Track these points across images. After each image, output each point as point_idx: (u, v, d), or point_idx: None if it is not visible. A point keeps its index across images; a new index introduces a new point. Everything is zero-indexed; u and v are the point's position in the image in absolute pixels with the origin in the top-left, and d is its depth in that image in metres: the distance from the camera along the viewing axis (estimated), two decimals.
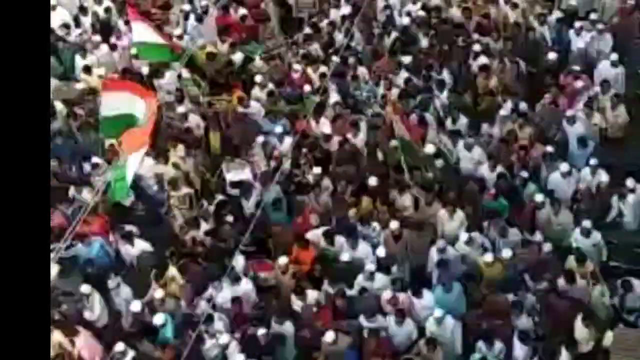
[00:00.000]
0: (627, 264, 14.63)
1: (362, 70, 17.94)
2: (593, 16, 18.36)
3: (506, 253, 14.20)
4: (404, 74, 17.63)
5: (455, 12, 19.33)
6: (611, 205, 15.17)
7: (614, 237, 15.02)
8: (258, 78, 17.99)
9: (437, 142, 16.35)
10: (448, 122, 16.84)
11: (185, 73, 17.97)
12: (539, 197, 15.03)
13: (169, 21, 20.05)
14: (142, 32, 16.74)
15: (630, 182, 15.05)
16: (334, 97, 17.31)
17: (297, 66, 18.17)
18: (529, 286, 14.03)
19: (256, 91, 17.92)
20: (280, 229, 15.33)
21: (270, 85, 17.82)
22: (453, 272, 14.30)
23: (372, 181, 15.56)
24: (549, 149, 15.82)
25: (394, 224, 14.76)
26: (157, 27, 18.30)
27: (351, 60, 18.04)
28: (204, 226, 15.41)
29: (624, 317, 13.91)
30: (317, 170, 15.84)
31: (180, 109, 17.32)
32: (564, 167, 15.42)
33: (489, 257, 14.21)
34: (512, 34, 18.65)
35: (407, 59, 18.05)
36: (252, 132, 17.00)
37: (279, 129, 16.76)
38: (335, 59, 17.62)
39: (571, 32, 18.41)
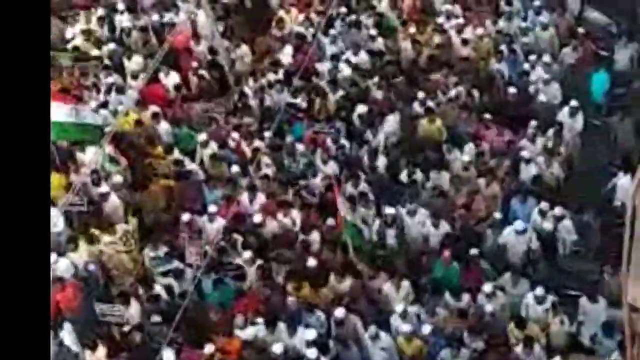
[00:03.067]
0: (583, 291, 14.69)
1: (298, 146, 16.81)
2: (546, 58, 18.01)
3: (425, 329, 13.75)
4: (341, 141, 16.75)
5: (406, 45, 18.80)
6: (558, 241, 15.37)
7: (569, 265, 15.34)
8: (201, 136, 16.93)
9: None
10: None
11: (109, 149, 16.62)
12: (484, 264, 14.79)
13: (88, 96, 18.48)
14: (60, 111, 15.68)
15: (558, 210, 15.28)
16: (268, 171, 16.27)
17: (234, 135, 17.14)
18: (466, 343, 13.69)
19: (199, 151, 16.94)
20: (212, 315, 14.44)
21: (213, 145, 16.85)
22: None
23: (311, 262, 14.65)
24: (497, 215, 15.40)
25: (339, 312, 13.90)
26: (78, 99, 17.59)
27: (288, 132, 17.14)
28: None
29: (581, 344, 14.13)
30: (247, 254, 14.90)
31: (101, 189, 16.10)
32: (519, 225, 14.96)
33: (406, 328, 13.70)
34: (462, 69, 18.15)
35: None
36: (192, 196, 16.29)
37: (212, 208, 15.51)
38: (267, 134, 16.66)
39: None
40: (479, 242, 15.10)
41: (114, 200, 15.95)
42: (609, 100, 17.93)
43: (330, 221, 15.26)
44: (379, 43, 18.76)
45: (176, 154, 16.73)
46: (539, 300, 14.06)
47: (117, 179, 16.33)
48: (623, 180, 15.43)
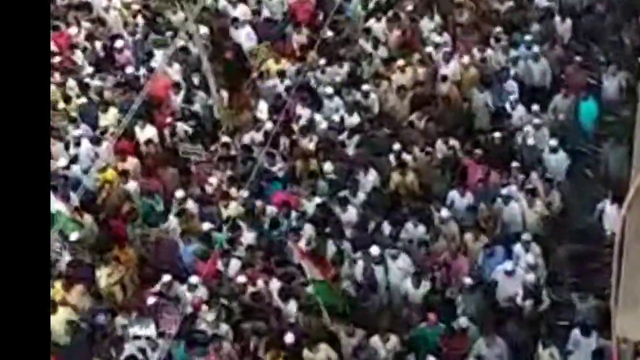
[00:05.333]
0: (572, 321, 14.66)
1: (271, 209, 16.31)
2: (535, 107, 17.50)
3: None
4: (315, 200, 16.26)
5: (387, 96, 18.27)
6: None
7: (558, 295, 15.27)
8: (178, 193, 16.45)
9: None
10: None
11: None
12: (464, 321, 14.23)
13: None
14: None
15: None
16: (246, 238, 15.76)
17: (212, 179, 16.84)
18: None
19: (174, 205, 16.49)
20: None
21: (189, 202, 16.42)
22: None
23: (289, 338, 14.06)
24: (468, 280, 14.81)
25: None
26: None
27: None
28: None
29: None
30: (224, 327, 14.45)
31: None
32: (509, 265, 14.78)
33: None
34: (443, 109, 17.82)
35: (328, 167, 16.77)
36: (169, 255, 15.96)
37: (193, 280, 14.83)
38: (244, 193, 16.16)
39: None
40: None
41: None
42: (598, 128, 17.82)
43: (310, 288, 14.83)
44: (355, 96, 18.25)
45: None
46: None
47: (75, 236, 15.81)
48: (611, 210, 15.35)
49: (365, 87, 18.21)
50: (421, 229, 15.59)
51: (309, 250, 15.18)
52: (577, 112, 17.78)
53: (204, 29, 19.05)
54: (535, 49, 18.52)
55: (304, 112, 17.84)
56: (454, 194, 16.14)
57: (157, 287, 15.21)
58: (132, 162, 17.34)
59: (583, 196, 16.86)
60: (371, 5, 20.44)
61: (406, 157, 16.81)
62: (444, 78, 18.21)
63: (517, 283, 14.68)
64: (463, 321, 14.18)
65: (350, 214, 16.06)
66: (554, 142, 16.67)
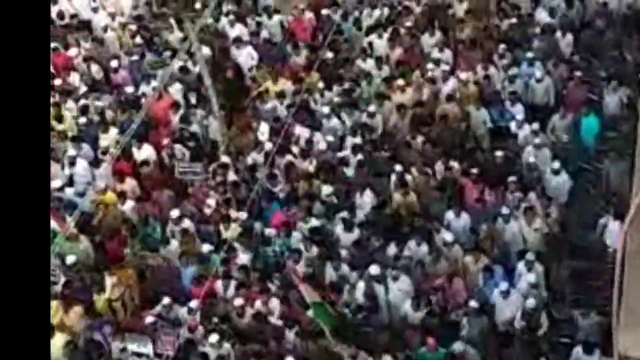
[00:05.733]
0: (574, 338, 14.59)
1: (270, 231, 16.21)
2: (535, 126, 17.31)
3: None
4: (313, 222, 16.16)
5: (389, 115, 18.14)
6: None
7: (559, 312, 15.21)
8: (174, 213, 16.32)
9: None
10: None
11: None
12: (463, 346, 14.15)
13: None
14: None
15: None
16: (241, 258, 15.67)
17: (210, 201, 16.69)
18: None
19: (170, 226, 16.37)
20: None
21: (186, 222, 16.31)
22: None
23: None
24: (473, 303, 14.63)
25: None
26: None
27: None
28: None
29: None
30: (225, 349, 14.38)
31: None
32: (504, 285, 14.67)
33: None
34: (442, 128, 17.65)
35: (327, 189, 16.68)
36: (168, 277, 15.84)
37: (193, 304, 14.81)
38: (242, 215, 16.04)
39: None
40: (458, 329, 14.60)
41: None
42: (599, 144, 17.73)
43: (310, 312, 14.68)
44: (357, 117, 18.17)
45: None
46: None
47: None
48: (613, 225, 15.22)
49: (371, 108, 18.07)
50: (424, 248, 15.49)
51: (307, 273, 15.10)
52: (578, 128, 17.67)
53: (205, 49, 18.97)
54: (538, 66, 18.43)
55: (303, 133, 17.74)
56: (450, 214, 16.03)
57: (157, 309, 15.10)
58: (130, 184, 17.19)
59: (584, 212, 16.85)
60: (371, 22, 20.39)
61: (407, 177, 16.69)
62: (447, 97, 18.10)
63: (515, 305, 14.53)
64: (462, 345, 14.09)
65: (350, 235, 15.95)
66: (556, 165, 16.48)
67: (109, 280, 15.40)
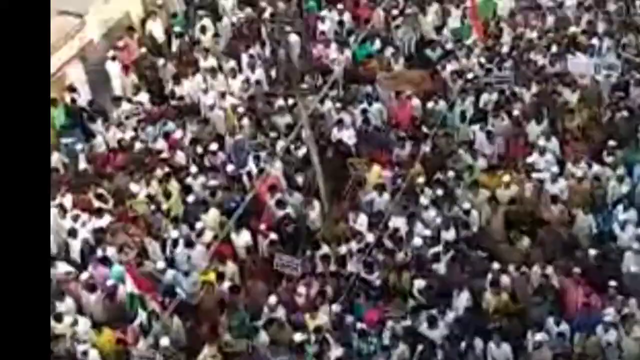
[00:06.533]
0: None
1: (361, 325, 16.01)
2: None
3: None
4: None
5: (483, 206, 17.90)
6: None
7: None
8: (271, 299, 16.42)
9: None
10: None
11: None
12: None
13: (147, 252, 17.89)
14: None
15: None
16: (335, 351, 15.58)
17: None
18: None
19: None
20: None
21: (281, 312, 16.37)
22: None
23: None
24: None
25: None
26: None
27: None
28: None
29: None
30: None
31: None
32: None
33: None
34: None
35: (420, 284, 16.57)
36: None
37: None
38: (336, 307, 16.10)
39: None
40: None
41: None
42: None
43: None
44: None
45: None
46: None
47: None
48: None
49: (465, 205, 17.74)
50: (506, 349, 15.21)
51: None
52: None
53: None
54: None
55: (401, 226, 17.55)
56: (550, 321, 15.59)
57: None
58: (231, 268, 17.31)
59: None
60: (476, 109, 20.13)
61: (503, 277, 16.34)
62: (552, 198, 17.57)
63: None
64: None
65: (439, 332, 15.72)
66: None
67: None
